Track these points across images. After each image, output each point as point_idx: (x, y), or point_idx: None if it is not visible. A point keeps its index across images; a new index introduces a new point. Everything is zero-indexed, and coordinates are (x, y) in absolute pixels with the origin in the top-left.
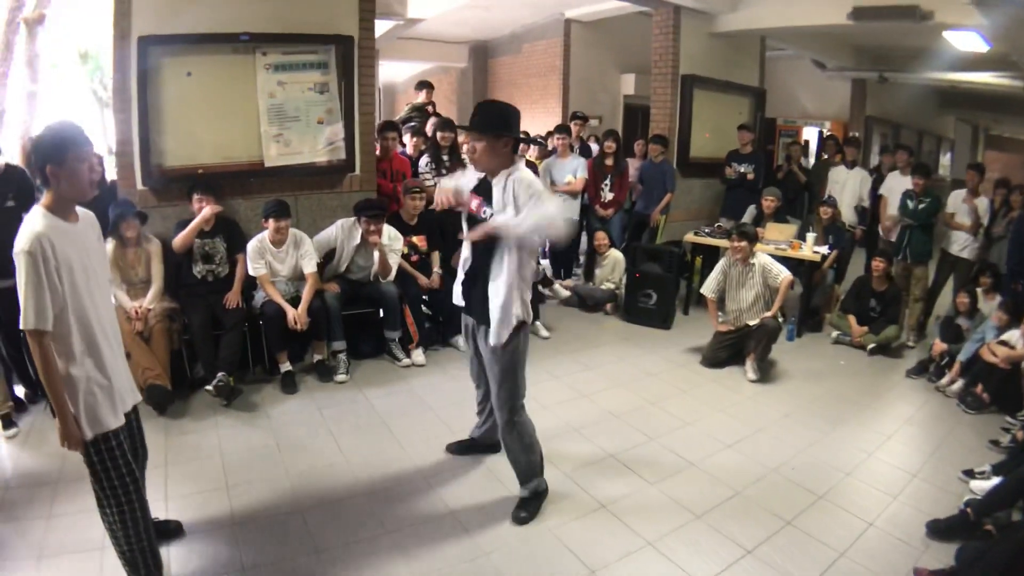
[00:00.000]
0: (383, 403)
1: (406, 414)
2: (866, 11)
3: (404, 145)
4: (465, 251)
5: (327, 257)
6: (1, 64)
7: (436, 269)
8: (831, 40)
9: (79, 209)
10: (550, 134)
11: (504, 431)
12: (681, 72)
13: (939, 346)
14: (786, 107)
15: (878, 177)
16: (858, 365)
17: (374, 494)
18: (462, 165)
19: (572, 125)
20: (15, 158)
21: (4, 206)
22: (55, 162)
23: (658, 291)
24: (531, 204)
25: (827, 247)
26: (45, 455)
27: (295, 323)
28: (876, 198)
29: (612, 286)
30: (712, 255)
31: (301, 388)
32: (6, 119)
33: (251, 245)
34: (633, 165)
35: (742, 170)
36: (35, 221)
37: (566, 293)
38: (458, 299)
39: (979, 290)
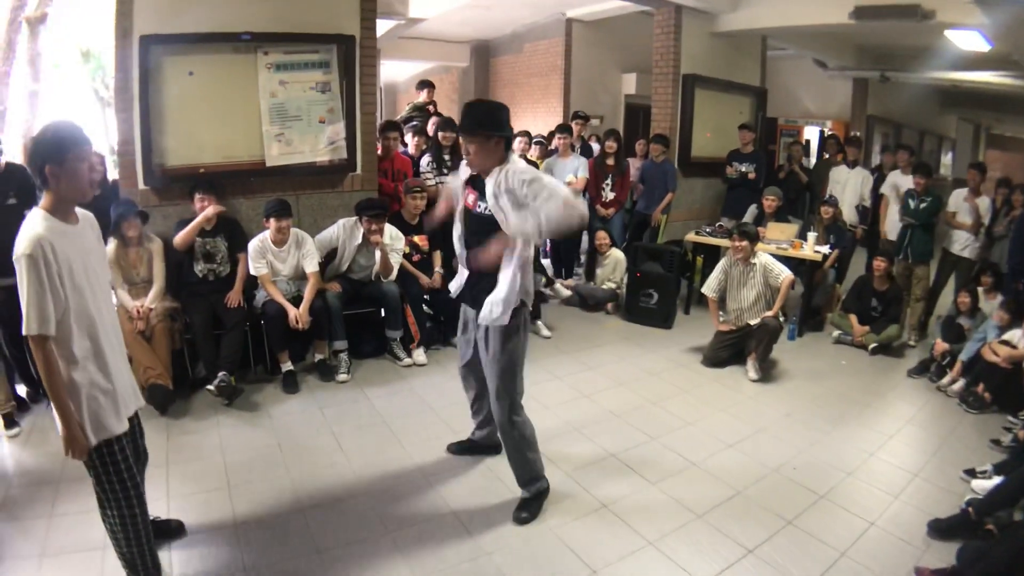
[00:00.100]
0: (384, 403)
1: (407, 414)
2: (868, 10)
3: (406, 145)
4: (459, 248)
5: (328, 257)
6: (3, 63)
7: (437, 268)
8: (832, 39)
9: (78, 210)
10: (552, 134)
11: (503, 429)
12: (682, 72)
13: (940, 345)
14: (787, 106)
15: (879, 176)
16: (859, 365)
17: (375, 494)
18: None
19: (573, 125)
20: (17, 157)
21: (5, 204)
22: (55, 162)
23: (659, 291)
24: (539, 196)
25: (828, 247)
26: (47, 454)
27: (296, 322)
28: (877, 197)
29: (613, 286)
30: (713, 255)
31: (302, 388)
32: (8, 118)
33: (252, 245)
34: (634, 165)
35: (743, 169)
36: (35, 224)
37: (567, 293)
38: (456, 292)
39: (980, 289)
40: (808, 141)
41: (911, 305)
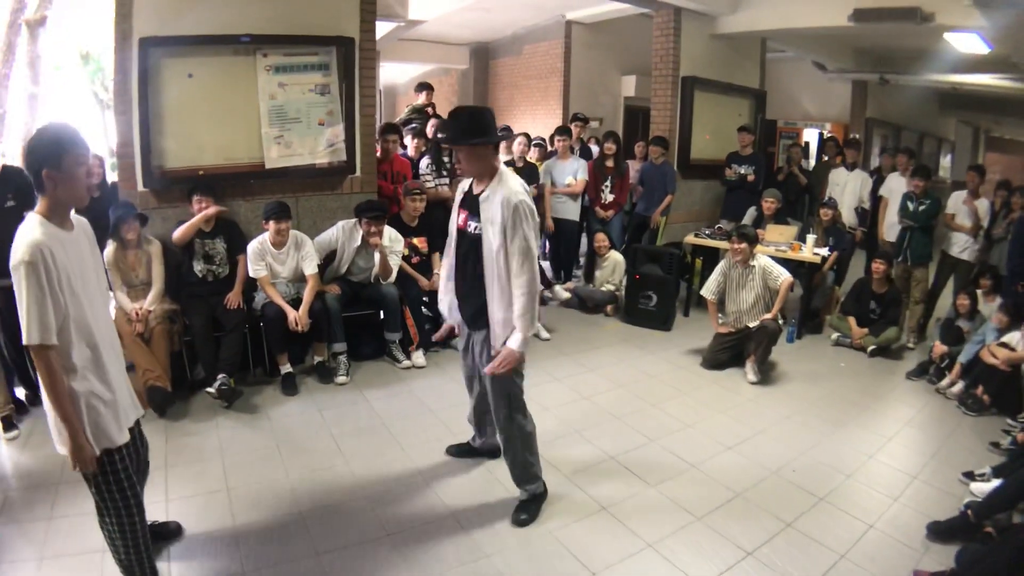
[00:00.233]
0: (383, 405)
1: (406, 416)
2: (867, 13)
3: (405, 147)
4: (448, 267)
5: (328, 259)
6: (3, 66)
7: (436, 271)
8: (832, 42)
9: (73, 216)
10: (552, 136)
11: (502, 426)
12: (682, 74)
13: (939, 348)
14: (787, 109)
15: (878, 179)
16: (858, 367)
17: (374, 496)
18: None
19: (573, 127)
20: (16, 160)
21: (4, 207)
22: (52, 166)
23: (658, 293)
24: (515, 250)
25: (827, 249)
26: (46, 457)
27: (296, 325)
28: (876, 200)
29: (612, 288)
30: (712, 257)
31: (301, 390)
32: (8, 121)
33: (252, 247)
34: (633, 167)
35: (742, 172)
36: (32, 229)
37: (566, 295)
38: (450, 313)
39: (979, 292)
40: (807, 143)
41: (910, 307)
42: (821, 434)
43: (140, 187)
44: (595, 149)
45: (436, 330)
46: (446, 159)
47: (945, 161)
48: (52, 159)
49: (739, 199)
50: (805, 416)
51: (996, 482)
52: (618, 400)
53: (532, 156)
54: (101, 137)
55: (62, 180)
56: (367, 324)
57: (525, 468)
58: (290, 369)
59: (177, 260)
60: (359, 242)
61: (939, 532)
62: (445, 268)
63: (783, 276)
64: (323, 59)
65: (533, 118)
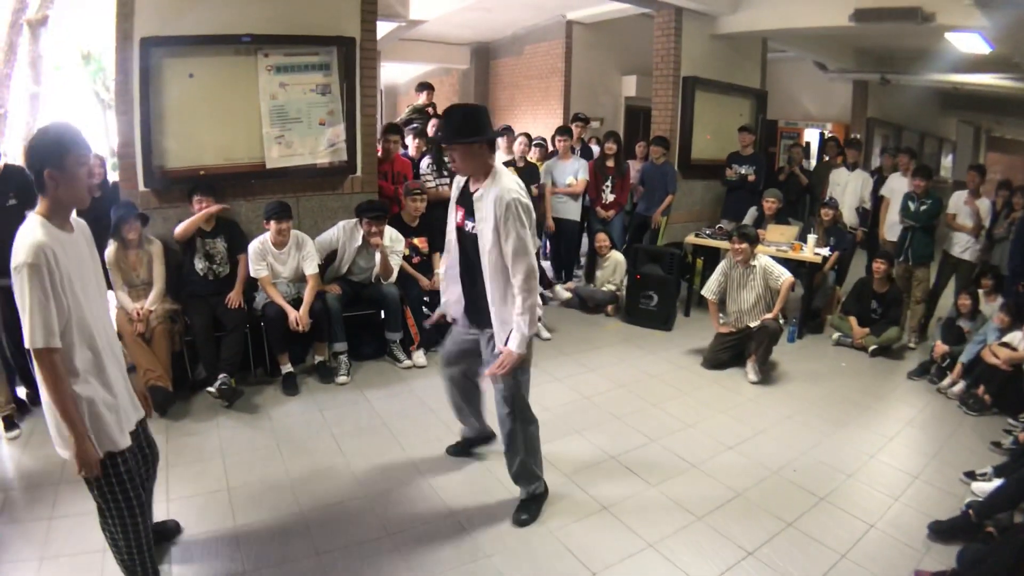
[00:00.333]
0: (384, 404)
1: (407, 415)
2: (868, 13)
3: (406, 147)
4: (451, 267)
5: (328, 259)
6: (4, 66)
7: (437, 270)
8: (833, 42)
9: (72, 218)
10: (554, 136)
11: (505, 424)
12: (682, 74)
13: (940, 348)
14: (788, 109)
15: (879, 179)
16: (859, 367)
17: (375, 495)
18: None
19: (573, 127)
20: (18, 159)
21: (6, 205)
22: (54, 166)
23: (659, 293)
24: (512, 247)
25: (828, 249)
26: (47, 457)
27: (296, 324)
28: (877, 200)
29: (613, 288)
30: (713, 257)
31: (302, 389)
32: (9, 120)
33: (253, 247)
34: (634, 167)
35: (743, 172)
36: (34, 231)
37: (567, 295)
38: (447, 305)
39: (981, 292)
40: (808, 143)
41: (911, 307)
42: (822, 434)
43: (141, 187)
44: (596, 149)
45: (437, 330)
46: (447, 159)
47: (946, 161)
48: (54, 159)
49: (740, 199)
50: (806, 416)
51: (997, 482)
52: (619, 400)
53: (533, 156)
54: (102, 137)
55: (64, 180)
56: (368, 324)
57: (526, 467)
58: (291, 369)
59: (178, 260)
60: (360, 242)
61: (940, 532)
62: (444, 266)
63: (784, 276)
64: (324, 59)
65: (534, 118)
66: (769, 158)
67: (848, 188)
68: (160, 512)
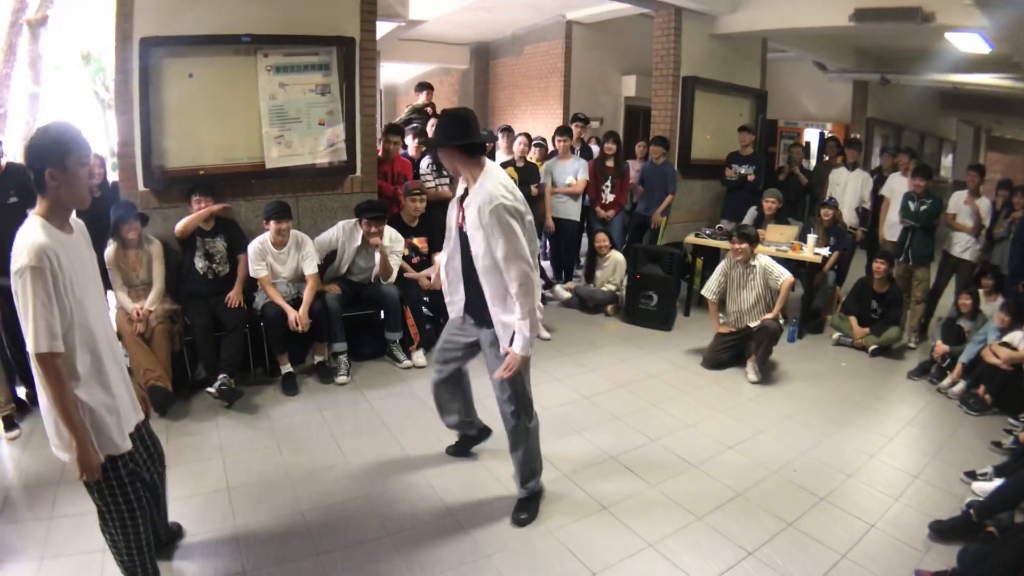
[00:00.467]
0: (384, 404)
1: (407, 415)
2: (868, 13)
3: (406, 147)
4: (452, 271)
5: (328, 259)
6: (4, 65)
7: (436, 259)
8: (833, 42)
9: (72, 218)
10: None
11: (510, 423)
12: (682, 74)
13: (941, 348)
14: (787, 109)
15: (879, 179)
16: (859, 367)
17: (375, 495)
18: None
19: (573, 127)
20: (18, 158)
21: (6, 203)
22: (56, 166)
23: (659, 293)
24: (500, 250)
25: (828, 249)
26: (47, 457)
27: (296, 325)
28: (877, 200)
29: (613, 288)
30: (713, 256)
31: (302, 389)
32: (9, 120)
33: (252, 246)
34: (634, 167)
35: (743, 172)
36: (35, 233)
37: (567, 295)
38: (455, 311)
39: (981, 291)
40: (808, 143)
41: (911, 307)
42: (822, 434)
43: (141, 187)
44: (595, 149)
45: (437, 330)
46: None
47: (946, 161)
48: (55, 159)
49: (740, 199)
50: (806, 416)
51: (998, 481)
52: (619, 400)
53: (533, 156)
54: (102, 137)
55: (65, 181)
56: (367, 324)
57: (528, 466)
58: (290, 369)
59: (178, 260)
60: (359, 242)
61: (941, 531)
62: (444, 260)
63: (784, 276)
64: (323, 59)
65: (533, 118)
66: (769, 158)
67: (848, 188)
68: None
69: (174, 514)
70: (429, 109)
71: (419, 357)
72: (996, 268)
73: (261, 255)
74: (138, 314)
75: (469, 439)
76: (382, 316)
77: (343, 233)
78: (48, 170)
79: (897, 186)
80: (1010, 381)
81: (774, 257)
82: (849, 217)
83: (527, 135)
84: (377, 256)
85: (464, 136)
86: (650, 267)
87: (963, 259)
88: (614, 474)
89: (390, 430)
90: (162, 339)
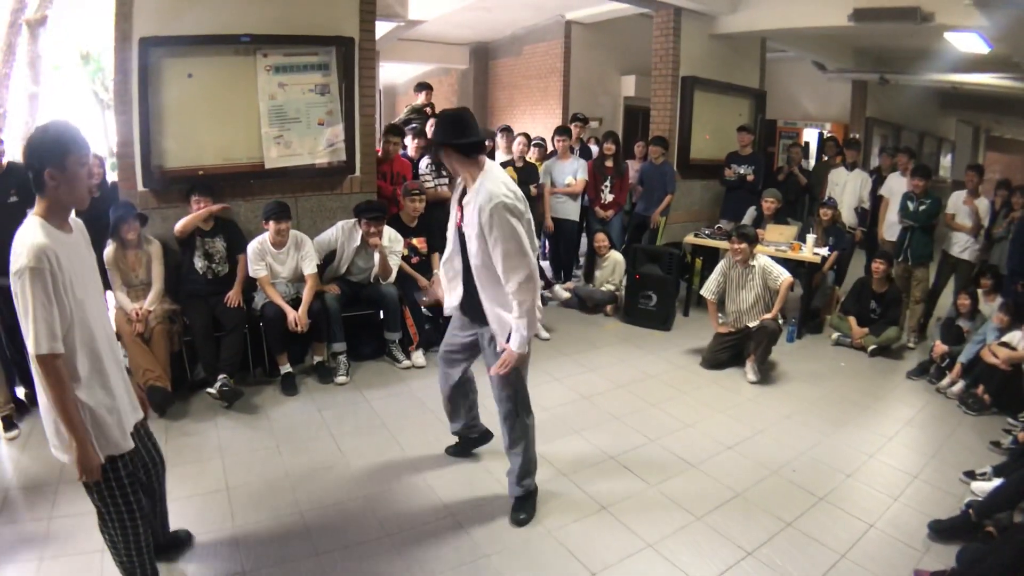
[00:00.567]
0: (383, 405)
1: (406, 416)
2: (867, 12)
3: (405, 147)
4: (453, 260)
5: (327, 259)
6: (3, 65)
7: (436, 271)
8: (832, 42)
9: (71, 217)
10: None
11: (509, 422)
12: (681, 74)
13: (940, 347)
14: (787, 109)
15: (878, 179)
16: (858, 367)
17: (374, 496)
18: None
19: (572, 127)
20: (18, 157)
21: (7, 202)
22: (55, 165)
23: (658, 293)
24: (500, 252)
25: (827, 249)
26: (46, 457)
27: (295, 325)
28: (876, 200)
29: (612, 288)
30: (712, 256)
31: (301, 390)
32: (8, 120)
33: (252, 247)
34: (633, 167)
35: (742, 172)
36: (34, 233)
37: (566, 295)
38: (451, 310)
39: (980, 291)
40: (807, 143)
41: (910, 307)
42: (821, 434)
43: (140, 187)
44: (595, 149)
45: (436, 330)
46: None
47: (945, 161)
48: (55, 159)
49: (739, 199)
50: (805, 416)
51: (997, 481)
52: (618, 400)
53: (532, 156)
54: (101, 137)
55: (64, 181)
56: (367, 324)
57: (525, 464)
58: (290, 369)
59: (177, 260)
60: (359, 242)
61: (940, 531)
62: (443, 259)
63: (783, 276)
64: (323, 59)
65: (533, 118)
66: (768, 158)
67: (847, 188)
68: None
69: (174, 515)
70: (428, 109)
71: (418, 357)
72: (995, 268)
73: (260, 255)
74: (137, 314)
75: (470, 441)
76: (381, 316)
77: (342, 233)
78: (47, 170)
79: (896, 186)
80: (1009, 381)
81: (773, 257)
82: (848, 217)
83: (526, 135)
84: (376, 256)
85: (462, 135)
86: (649, 267)
87: (962, 259)
88: (613, 474)
89: (389, 430)
90: (161, 339)
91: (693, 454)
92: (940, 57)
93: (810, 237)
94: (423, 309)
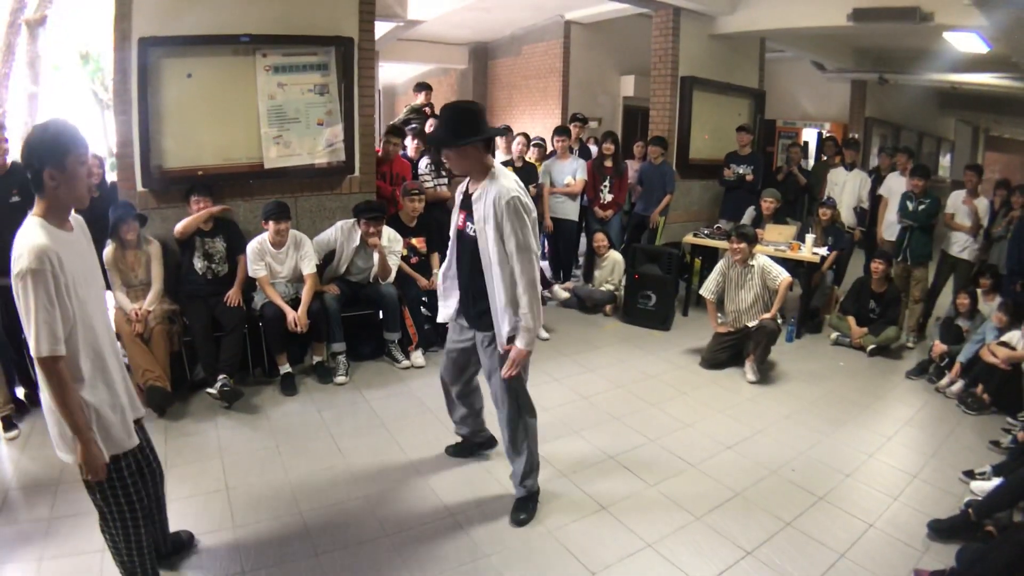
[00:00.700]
0: (382, 405)
1: (405, 416)
2: (866, 12)
3: (405, 147)
4: (445, 268)
5: (326, 259)
6: (3, 65)
7: (435, 270)
8: (831, 41)
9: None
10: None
11: (511, 422)
12: (680, 74)
13: (939, 347)
14: (786, 109)
15: (877, 178)
16: (858, 366)
17: (374, 496)
18: None
19: (571, 127)
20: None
21: (9, 202)
22: (55, 165)
23: (657, 292)
24: (516, 247)
25: (826, 248)
26: (46, 457)
27: (295, 325)
28: (875, 199)
29: (611, 287)
30: (711, 256)
31: (301, 390)
32: (7, 120)
33: (251, 246)
34: (632, 167)
35: (741, 171)
36: (35, 234)
37: (565, 295)
38: (446, 315)
39: (979, 291)
40: (806, 143)
41: (909, 307)
42: (821, 433)
43: (139, 187)
44: (594, 149)
45: (435, 330)
46: (444, 160)
47: (944, 160)
48: (55, 158)
49: (738, 199)
50: (805, 415)
51: (996, 481)
52: (617, 400)
53: (531, 156)
54: (100, 137)
55: (64, 180)
56: (366, 324)
57: (527, 465)
58: (289, 369)
59: (176, 260)
60: (358, 242)
61: (940, 531)
62: (443, 268)
63: (782, 276)
64: (322, 59)
65: (532, 118)
66: (767, 158)
67: (846, 188)
68: None
69: (174, 516)
70: (427, 109)
71: (417, 357)
72: (994, 267)
73: (260, 255)
74: (137, 314)
75: (474, 445)
76: (380, 316)
77: (341, 233)
78: (47, 170)
79: (895, 186)
80: (1008, 380)
81: (772, 257)
82: (847, 217)
83: (525, 135)
84: (376, 256)
85: (482, 131)
86: (648, 267)
87: (961, 259)
88: (613, 474)
89: (389, 430)
90: (161, 339)
91: (692, 454)
92: (939, 57)
93: (809, 237)
94: (422, 309)
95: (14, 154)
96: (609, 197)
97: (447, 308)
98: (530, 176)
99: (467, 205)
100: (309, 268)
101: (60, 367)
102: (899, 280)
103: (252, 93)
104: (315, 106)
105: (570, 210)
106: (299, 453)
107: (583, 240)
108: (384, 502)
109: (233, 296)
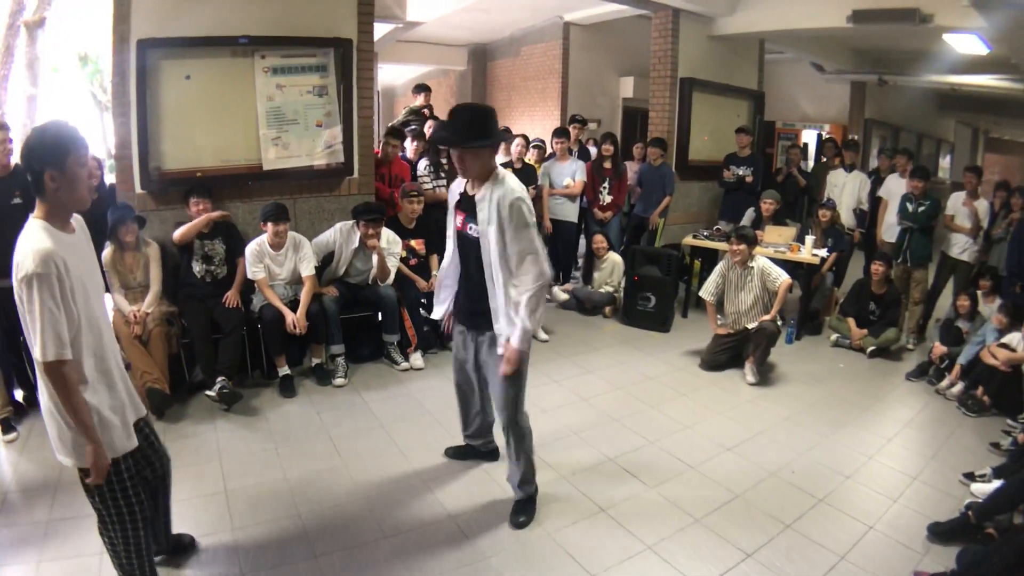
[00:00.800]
0: (381, 407)
1: (404, 418)
2: (865, 14)
3: (404, 149)
4: (453, 265)
5: (325, 260)
6: (2, 67)
7: (434, 272)
8: (830, 43)
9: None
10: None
11: (510, 428)
12: (680, 75)
13: (939, 349)
14: (785, 110)
15: (876, 180)
16: (857, 368)
17: (372, 498)
18: None
19: (571, 128)
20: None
21: (11, 204)
22: (55, 167)
23: (657, 294)
24: (521, 249)
25: (826, 250)
26: (44, 460)
27: (294, 327)
28: (875, 201)
29: (611, 289)
30: (711, 258)
31: (300, 392)
32: (6, 122)
33: (250, 248)
34: (632, 168)
35: (740, 173)
36: (39, 238)
37: (564, 296)
38: (440, 313)
39: (979, 293)
40: (806, 144)
41: (909, 308)
42: (820, 435)
43: (138, 189)
44: (593, 150)
45: (434, 332)
46: (444, 161)
47: (944, 162)
48: (55, 160)
49: (738, 200)
50: (804, 417)
51: (997, 483)
52: (617, 402)
53: (530, 157)
54: (99, 139)
55: (65, 182)
56: (365, 326)
57: (526, 467)
58: (288, 371)
59: (175, 262)
60: (357, 244)
61: (940, 533)
62: (441, 270)
63: (782, 277)
64: (321, 60)
65: (531, 119)
66: (766, 159)
67: (846, 189)
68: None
69: (173, 517)
70: (426, 111)
71: (416, 359)
72: (994, 269)
73: (259, 257)
74: (135, 316)
75: (478, 453)
76: (380, 318)
77: (340, 235)
78: (48, 172)
79: (895, 187)
80: (1008, 382)
81: (772, 258)
82: (847, 218)
83: (525, 136)
84: (375, 258)
85: (495, 135)
86: (648, 268)
87: (961, 260)
88: (612, 476)
89: (388, 432)
90: (159, 341)
91: (692, 456)
92: (939, 58)
93: (809, 238)
94: (421, 311)
95: (16, 155)
96: (608, 199)
97: (441, 308)
98: (529, 178)
99: (465, 206)
100: (308, 270)
101: (66, 371)
102: (899, 282)
103: (251, 95)
104: (314, 108)
105: (569, 212)
106: (298, 455)
107: (582, 242)
108: (383, 504)
109: (232, 298)
